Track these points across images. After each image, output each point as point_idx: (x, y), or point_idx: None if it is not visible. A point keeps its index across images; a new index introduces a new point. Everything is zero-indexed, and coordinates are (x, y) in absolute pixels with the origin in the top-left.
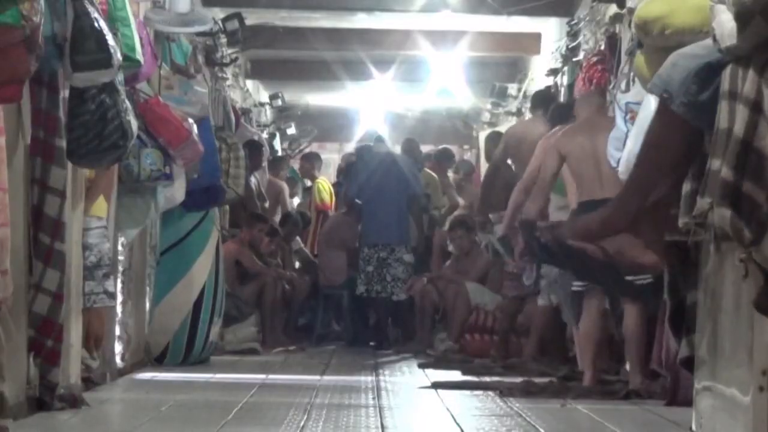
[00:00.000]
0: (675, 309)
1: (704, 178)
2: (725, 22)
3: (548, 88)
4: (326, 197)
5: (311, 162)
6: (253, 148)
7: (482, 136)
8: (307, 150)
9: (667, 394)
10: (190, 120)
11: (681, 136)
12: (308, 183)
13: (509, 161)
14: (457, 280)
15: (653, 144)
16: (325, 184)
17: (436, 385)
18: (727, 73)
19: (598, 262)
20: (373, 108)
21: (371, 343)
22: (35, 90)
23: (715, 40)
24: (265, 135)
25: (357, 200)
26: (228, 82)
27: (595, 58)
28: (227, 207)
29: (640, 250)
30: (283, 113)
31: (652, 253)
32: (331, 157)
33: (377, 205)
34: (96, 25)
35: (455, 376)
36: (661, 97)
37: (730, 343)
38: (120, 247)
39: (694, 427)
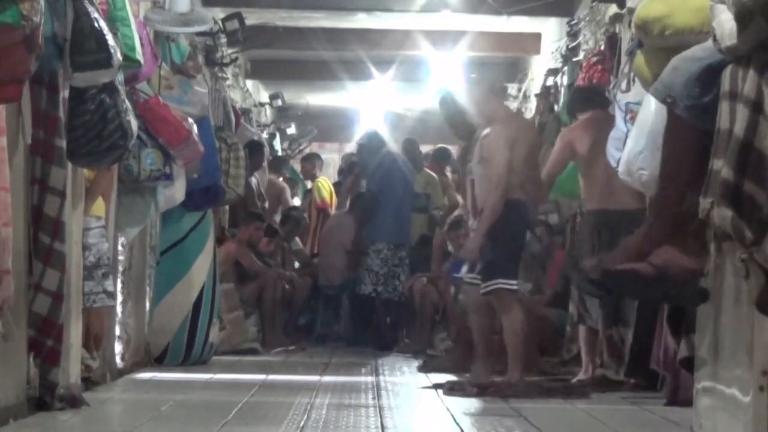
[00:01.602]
0: (674, 309)
1: (706, 179)
2: (725, 22)
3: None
4: (326, 196)
5: (312, 162)
6: (254, 148)
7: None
8: (308, 150)
9: (667, 394)
10: (190, 120)
11: (695, 141)
12: (309, 185)
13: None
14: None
15: (672, 154)
16: (325, 183)
17: (438, 386)
18: (727, 73)
19: (650, 278)
20: (373, 108)
21: (374, 348)
22: (35, 90)
23: (715, 40)
24: (265, 135)
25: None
26: (228, 82)
27: (595, 58)
28: (226, 207)
29: (683, 257)
30: (283, 113)
31: (697, 258)
32: (331, 157)
33: (386, 204)
34: (96, 25)
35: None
36: (664, 102)
37: (730, 343)
38: (120, 247)
39: (694, 427)
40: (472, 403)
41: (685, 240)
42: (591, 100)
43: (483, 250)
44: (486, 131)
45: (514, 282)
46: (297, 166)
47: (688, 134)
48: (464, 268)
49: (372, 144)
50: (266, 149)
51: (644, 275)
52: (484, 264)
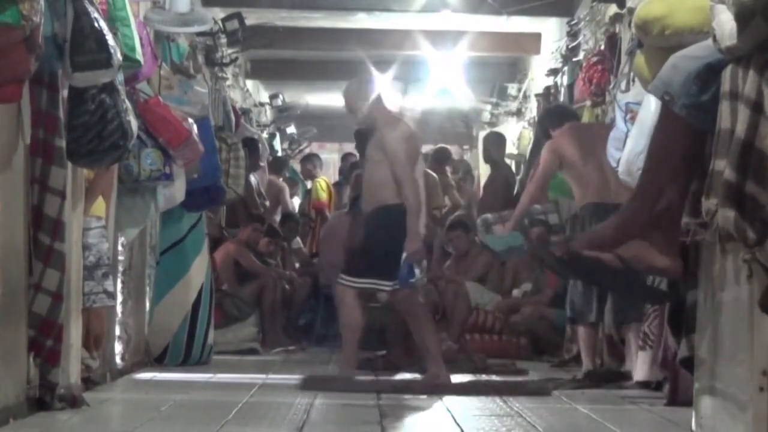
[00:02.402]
0: (674, 309)
1: (707, 180)
2: (725, 22)
3: (548, 88)
4: (324, 196)
5: (312, 162)
6: (250, 145)
7: (482, 136)
8: (308, 150)
9: (667, 394)
10: (190, 120)
11: (685, 139)
12: (309, 185)
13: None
14: (457, 280)
15: (659, 148)
16: (323, 182)
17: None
18: (727, 73)
19: (616, 270)
20: None
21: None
22: (35, 90)
23: (715, 40)
24: (265, 135)
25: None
26: (228, 82)
27: (595, 58)
28: (224, 207)
29: (655, 254)
30: (283, 113)
31: (669, 258)
32: (331, 157)
33: None
34: (96, 25)
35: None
36: (662, 99)
37: (730, 343)
38: (120, 247)
39: (694, 427)
40: (473, 403)
41: (657, 237)
42: (563, 116)
43: (361, 250)
44: (377, 133)
45: (389, 283)
46: (297, 166)
47: (678, 132)
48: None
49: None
50: (263, 146)
51: (609, 266)
52: (359, 263)
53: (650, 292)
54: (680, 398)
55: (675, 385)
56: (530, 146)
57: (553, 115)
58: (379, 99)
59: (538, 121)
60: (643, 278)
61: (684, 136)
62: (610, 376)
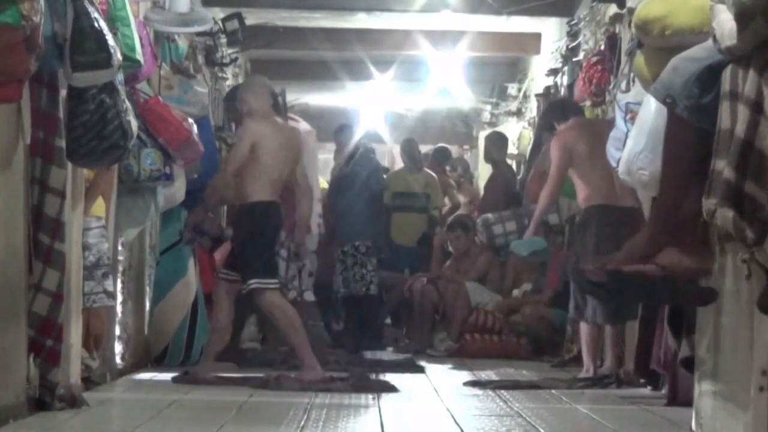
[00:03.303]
0: (675, 310)
1: (708, 180)
2: (725, 22)
3: (548, 88)
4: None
5: None
6: None
7: (482, 136)
8: None
9: (667, 395)
10: (190, 120)
11: (696, 141)
12: None
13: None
14: (457, 280)
15: (673, 154)
16: (323, 183)
17: (472, 384)
18: (727, 73)
19: (656, 280)
20: (373, 108)
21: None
22: (35, 90)
23: (715, 40)
24: None
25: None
26: (228, 82)
27: (595, 58)
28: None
29: (689, 257)
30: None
31: (701, 258)
32: (331, 157)
33: (344, 204)
34: (96, 25)
35: (460, 377)
36: (664, 102)
37: (730, 343)
38: (120, 247)
39: (694, 427)
40: (473, 403)
41: (686, 240)
42: (568, 110)
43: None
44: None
45: (273, 281)
46: None
47: (689, 134)
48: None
49: (341, 139)
50: None
51: (651, 276)
52: (240, 264)
53: (697, 292)
54: (680, 399)
55: (675, 385)
56: (530, 146)
57: (558, 108)
58: (260, 98)
59: (542, 114)
60: (681, 284)
61: (693, 138)
62: (628, 378)
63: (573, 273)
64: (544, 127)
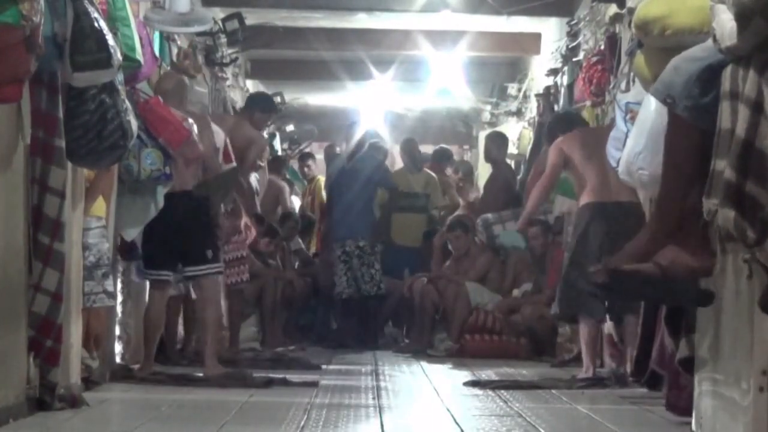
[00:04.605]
0: (673, 309)
1: (708, 179)
2: (725, 22)
3: (548, 88)
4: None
5: (305, 162)
6: None
7: (482, 136)
8: (307, 150)
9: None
10: (190, 120)
11: (696, 141)
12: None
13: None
14: (457, 280)
15: (673, 154)
16: (323, 182)
17: (472, 384)
18: (727, 73)
19: (656, 279)
20: (373, 108)
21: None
22: (35, 90)
23: (715, 40)
24: (265, 135)
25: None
26: (228, 82)
27: (595, 58)
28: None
29: (689, 256)
30: (283, 113)
31: (701, 257)
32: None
33: (339, 204)
34: (96, 25)
35: (460, 377)
36: (664, 102)
37: (730, 343)
38: None
39: (694, 427)
40: (473, 403)
41: (688, 239)
42: (572, 123)
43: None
44: None
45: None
46: (296, 165)
47: (689, 134)
48: None
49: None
50: None
51: (650, 276)
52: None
53: (696, 293)
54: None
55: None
56: (530, 146)
57: (564, 122)
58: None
59: (547, 127)
60: (680, 284)
61: (694, 138)
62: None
63: (575, 277)
64: (549, 140)
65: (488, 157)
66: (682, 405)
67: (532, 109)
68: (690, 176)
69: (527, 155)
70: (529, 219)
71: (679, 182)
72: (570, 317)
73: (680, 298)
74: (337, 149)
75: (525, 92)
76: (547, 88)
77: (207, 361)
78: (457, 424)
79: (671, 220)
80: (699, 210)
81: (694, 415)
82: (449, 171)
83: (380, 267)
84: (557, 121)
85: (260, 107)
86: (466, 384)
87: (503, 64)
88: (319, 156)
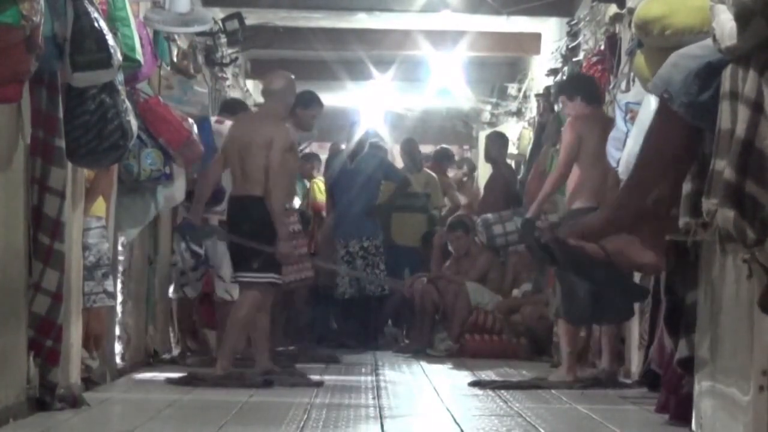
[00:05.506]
0: (672, 309)
1: (708, 179)
2: (725, 22)
3: (548, 88)
4: (319, 197)
5: (311, 162)
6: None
7: (482, 136)
8: (307, 150)
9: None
10: (190, 120)
11: (680, 136)
12: (307, 184)
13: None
14: (457, 280)
15: (653, 144)
16: (320, 183)
17: (475, 384)
18: (727, 73)
19: (598, 262)
20: (373, 108)
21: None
22: (35, 90)
23: (715, 40)
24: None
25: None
26: (228, 82)
27: (595, 58)
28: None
29: (640, 250)
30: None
31: (653, 254)
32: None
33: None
34: (96, 25)
35: (460, 377)
36: (661, 97)
37: (730, 343)
38: (120, 247)
39: (694, 427)
40: (473, 403)
41: (642, 234)
42: (593, 92)
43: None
44: None
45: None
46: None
47: (673, 129)
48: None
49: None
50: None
51: (591, 257)
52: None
53: (633, 288)
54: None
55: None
56: (530, 146)
57: (586, 84)
58: None
59: (558, 87)
60: (629, 274)
61: (678, 134)
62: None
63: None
64: (561, 91)
65: (488, 157)
66: (679, 411)
67: (532, 109)
68: (663, 169)
69: (527, 155)
70: (540, 207)
71: (651, 172)
72: (589, 322)
73: (613, 287)
74: (342, 146)
75: (525, 92)
76: (547, 88)
77: (219, 361)
78: (457, 424)
79: (632, 210)
80: (663, 204)
81: (694, 415)
82: (451, 173)
83: (384, 266)
84: (579, 81)
85: (301, 104)
86: (471, 384)
87: (503, 64)
88: (324, 156)
